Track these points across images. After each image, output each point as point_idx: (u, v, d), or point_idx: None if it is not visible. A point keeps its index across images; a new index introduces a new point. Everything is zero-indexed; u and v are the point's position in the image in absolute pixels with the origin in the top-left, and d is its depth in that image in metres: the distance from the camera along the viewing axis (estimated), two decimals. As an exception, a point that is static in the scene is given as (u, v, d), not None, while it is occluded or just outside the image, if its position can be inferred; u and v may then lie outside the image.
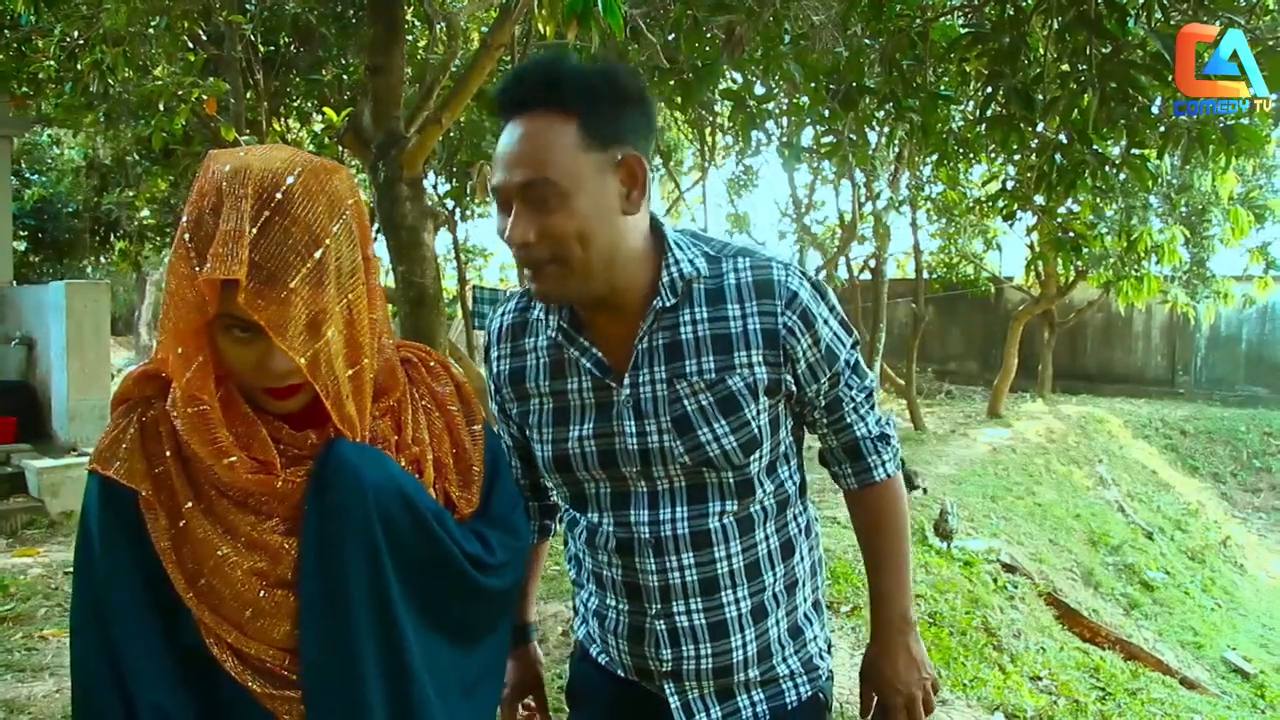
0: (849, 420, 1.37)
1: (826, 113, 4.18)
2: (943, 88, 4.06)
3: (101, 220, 11.91)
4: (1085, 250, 6.20)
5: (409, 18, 5.78)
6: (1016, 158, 4.99)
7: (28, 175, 12.46)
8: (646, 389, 1.27)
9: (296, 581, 1.04)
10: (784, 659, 1.37)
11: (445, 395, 1.21)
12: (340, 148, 5.79)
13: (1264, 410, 12.94)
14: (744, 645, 1.33)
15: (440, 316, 4.23)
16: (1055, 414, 11.85)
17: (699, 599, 1.31)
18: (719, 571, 1.31)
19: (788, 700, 1.37)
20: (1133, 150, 3.40)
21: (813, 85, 4.01)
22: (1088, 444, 10.81)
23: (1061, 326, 13.29)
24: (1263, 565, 9.46)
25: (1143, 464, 11.00)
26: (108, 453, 1.05)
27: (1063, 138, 3.50)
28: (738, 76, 4.89)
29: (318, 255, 0.98)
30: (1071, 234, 5.26)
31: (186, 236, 0.97)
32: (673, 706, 1.34)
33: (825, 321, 1.30)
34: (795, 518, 1.39)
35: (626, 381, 1.28)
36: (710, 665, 1.32)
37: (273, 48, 7.32)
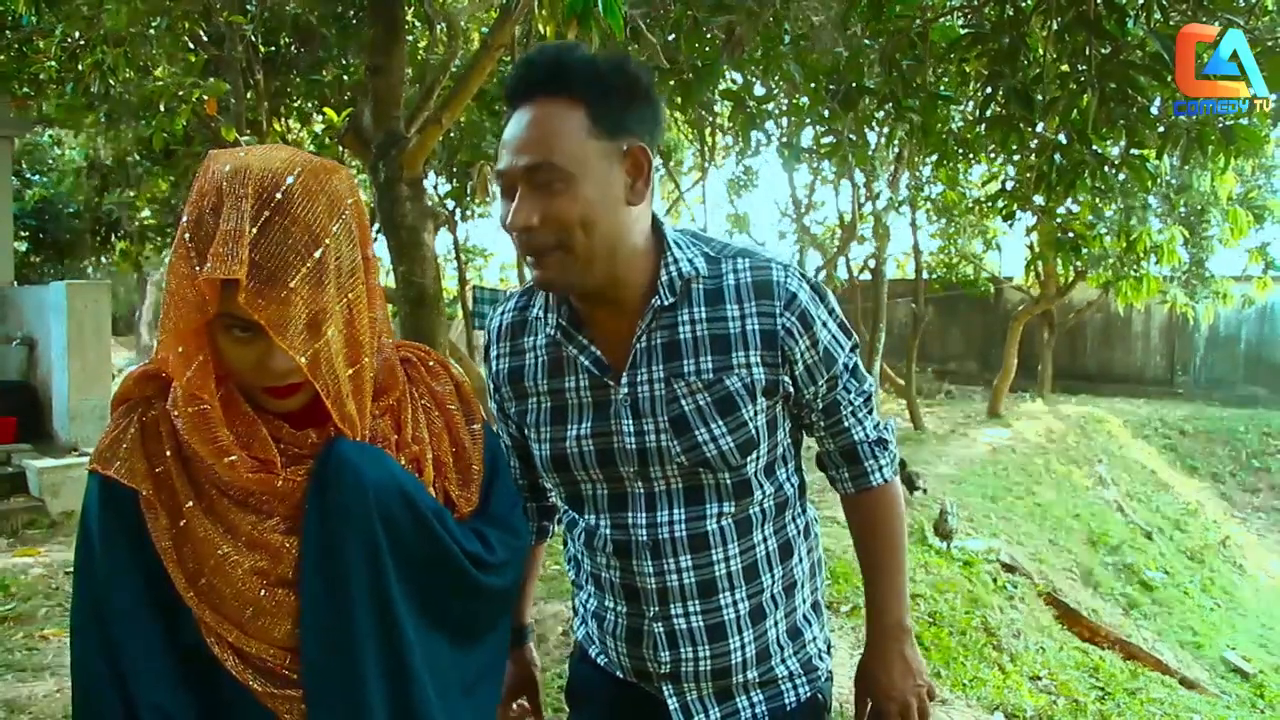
0: (846, 424, 1.36)
1: (826, 113, 4.19)
2: (943, 88, 4.06)
3: (102, 220, 11.92)
4: (1085, 250, 6.19)
5: (409, 18, 5.78)
6: (1016, 158, 4.99)
7: (29, 176, 12.49)
8: (644, 388, 1.27)
9: (297, 580, 1.04)
10: (783, 660, 1.37)
11: (445, 394, 1.21)
12: (340, 148, 5.80)
13: (1263, 410, 12.94)
14: (742, 647, 1.32)
15: (440, 316, 4.23)
16: (1055, 414, 11.84)
17: (697, 601, 1.30)
18: (717, 573, 1.30)
19: (787, 701, 1.36)
20: (1132, 150, 3.41)
21: (812, 85, 4.02)
22: (1087, 444, 10.80)
23: (1061, 327, 13.29)
24: (1262, 565, 9.46)
25: (1142, 464, 11.00)
26: (108, 452, 1.05)
27: (1062, 138, 3.50)
28: (738, 76, 4.90)
29: (318, 255, 0.98)
30: (1071, 234, 5.27)
31: (187, 236, 0.98)
32: (671, 708, 1.34)
33: (824, 324, 1.29)
34: (794, 519, 1.39)
35: (624, 380, 1.28)
36: (709, 667, 1.32)
37: (273, 48, 7.33)
